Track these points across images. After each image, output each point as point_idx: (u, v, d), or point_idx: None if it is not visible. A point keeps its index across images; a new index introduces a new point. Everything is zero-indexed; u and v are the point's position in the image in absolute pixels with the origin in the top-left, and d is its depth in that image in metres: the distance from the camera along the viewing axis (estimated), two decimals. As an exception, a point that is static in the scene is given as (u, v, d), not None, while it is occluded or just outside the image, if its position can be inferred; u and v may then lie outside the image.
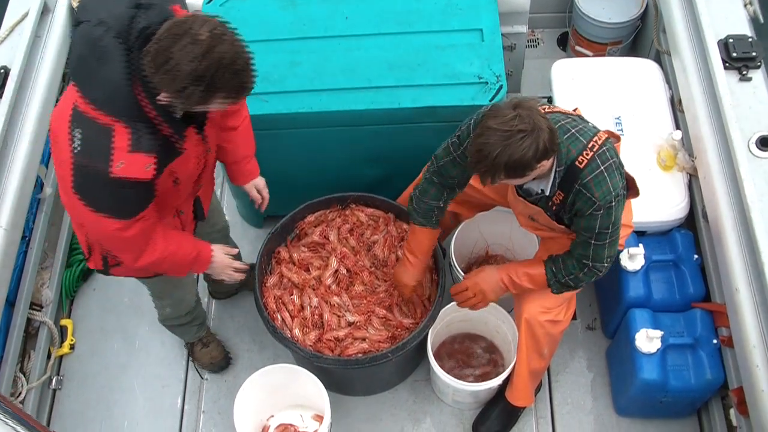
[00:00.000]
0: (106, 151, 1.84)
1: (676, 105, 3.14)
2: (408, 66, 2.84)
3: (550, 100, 3.31)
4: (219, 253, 2.39)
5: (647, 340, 2.67)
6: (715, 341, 2.68)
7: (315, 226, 2.94)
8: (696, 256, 2.86)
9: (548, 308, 2.57)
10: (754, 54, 2.82)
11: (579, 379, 3.10)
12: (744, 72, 2.81)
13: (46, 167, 3.22)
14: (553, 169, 2.22)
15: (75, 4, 2.88)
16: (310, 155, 2.99)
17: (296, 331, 2.71)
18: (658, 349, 2.66)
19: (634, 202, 2.56)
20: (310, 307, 2.76)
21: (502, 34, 2.93)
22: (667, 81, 3.23)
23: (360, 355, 2.66)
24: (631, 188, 2.38)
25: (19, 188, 2.74)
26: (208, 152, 2.22)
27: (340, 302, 2.78)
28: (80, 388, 3.16)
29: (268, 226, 3.02)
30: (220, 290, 3.31)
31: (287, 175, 2.91)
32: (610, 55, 3.79)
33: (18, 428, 1.78)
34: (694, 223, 3.00)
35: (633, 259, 2.83)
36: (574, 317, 3.16)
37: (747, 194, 2.51)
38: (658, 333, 2.66)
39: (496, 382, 2.74)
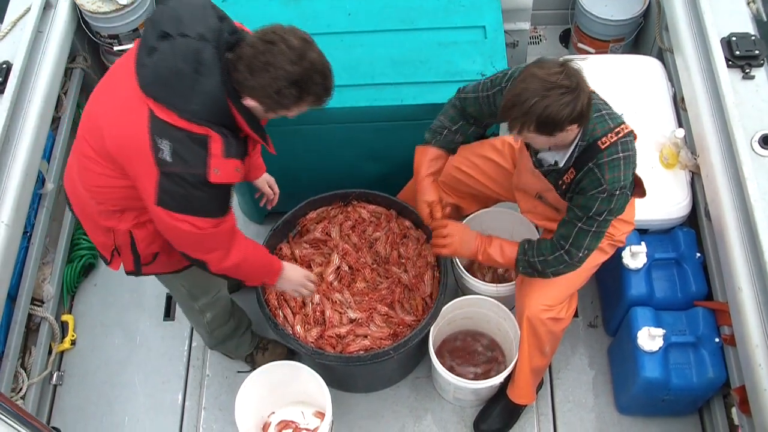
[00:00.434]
0: (203, 159, 1.90)
1: (678, 103, 3.14)
2: (411, 63, 2.84)
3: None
4: (291, 265, 2.48)
5: (649, 338, 2.67)
6: (717, 340, 2.68)
7: (317, 223, 2.94)
8: (698, 255, 2.85)
9: (550, 306, 2.57)
10: (757, 52, 2.83)
11: (580, 376, 3.09)
12: (747, 70, 2.81)
13: (48, 162, 3.21)
14: (575, 142, 2.21)
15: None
16: (312, 152, 2.98)
17: (298, 328, 2.71)
18: (660, 348, 2.66)
19: (637, 200, 2.56)
20: (312, 303, 2.76)
21: (504, 31, 2.92)
22: (670, 79, 3.23)
23: (362, 352, 2.66)
24: (637, 187, 2.38)
25: (20, 183, 2.75)
26: None
27: (342, 299, 2.78)
28: (81, 383, 3.16)
29: (270, 223, 3.01)
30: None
31: (289, 171, 2.91)
32: (612, 52, 3.78)
33: (18, 428, 1.78)
34: (696, 221, 3.00)
35: (635, 257, 2.83)
36: (576, 315, 3.17)
37: (750, 192, 2.51)
38: (660, 331, 2.65)
39: (497, 379, 2.74)
